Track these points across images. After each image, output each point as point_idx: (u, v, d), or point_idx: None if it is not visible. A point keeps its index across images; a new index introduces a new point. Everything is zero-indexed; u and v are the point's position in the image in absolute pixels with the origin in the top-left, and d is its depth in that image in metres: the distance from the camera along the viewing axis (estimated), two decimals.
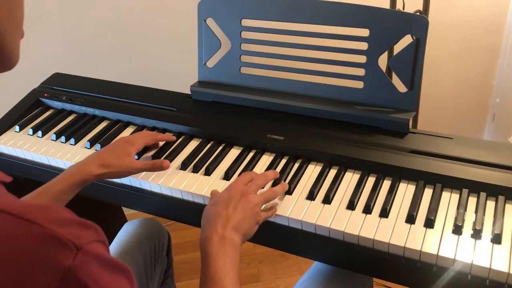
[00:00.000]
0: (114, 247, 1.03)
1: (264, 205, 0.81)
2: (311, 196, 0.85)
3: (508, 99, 1.67)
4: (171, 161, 0.97)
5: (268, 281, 1.68)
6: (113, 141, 0.95)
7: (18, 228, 0.34)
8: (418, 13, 1.22)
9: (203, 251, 0.71)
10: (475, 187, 0.82)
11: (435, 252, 0.73)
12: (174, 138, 1.02)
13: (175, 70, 1.54)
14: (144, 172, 0.94)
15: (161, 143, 1.02)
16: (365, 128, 0.96)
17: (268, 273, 1.71)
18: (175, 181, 0.93)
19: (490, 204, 0.80)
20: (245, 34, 1.05)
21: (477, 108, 1.81)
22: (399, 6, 1.23)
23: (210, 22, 1.07)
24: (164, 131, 1.07)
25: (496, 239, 0.73)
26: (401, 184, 0.86)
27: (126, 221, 1.18)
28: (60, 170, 1.02)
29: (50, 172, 1.03)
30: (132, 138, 0.94)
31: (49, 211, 0.35)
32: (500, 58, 1.68)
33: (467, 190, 0.82)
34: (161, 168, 0.91)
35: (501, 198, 0.80)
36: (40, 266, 0.33)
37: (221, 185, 0.91)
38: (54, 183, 0.83)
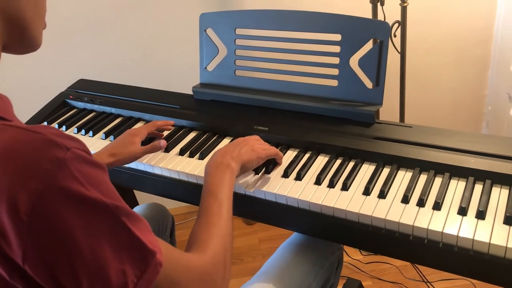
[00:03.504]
0: None
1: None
2: (285, 174, 0.99)
3: (499, 107, 1.77)
4: (172, 149, 1.13)
5: None
6: (122, 134, 1.09)
7: (25, 135, 0.49)
8: (397, 23, 1.37)
9: (204, 174, 0.85)
10: (427, 166, 0.94)
11: (383, 216, 0.85)
12: (172, 122, 1.17)
13: (180, 74, 1.72)
14: (149, 157, 1.10)
15: (165, 133, 1.18)
16: (338, 120, 1.09)
17: None
18: (173, 164, 1.08)
19: (438, 180, 0.92)
20: (239, 42, 1.21)
21: (472, 116, 1.91)
22: (380, 17, 1.37)
23: (210, 31, 1.25)
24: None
25: (421, 203, 0.85)
26: (363, 165, 0.99)
27: (137, 205, 1.35)
28: None
29: None
30: (136, 129, 1.08)
31: (49, 127, 0.50)
32: (490, 69, 1.79)
33: (419, 168, 0.95)
34: (159, 147, 1.05)
35: (446, 175, 0.92)
36: (38, 162, 0.47)
37: None
38: None
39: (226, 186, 0.82)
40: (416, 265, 1.60)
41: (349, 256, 1.72)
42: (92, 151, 1.15)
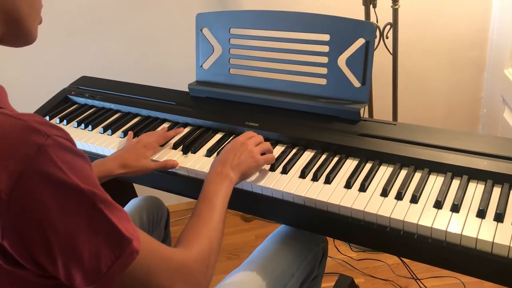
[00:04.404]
0: None
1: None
2: (272, 168, 1.03)
3: (494, 109, 1.79)
4: (166, 143, 1.18)
5: None
6: (134, 144, 1.11)
7: (9, 121, 0.52)
8: (389, 25, 1.40)
9: (204, 181, 0.88)
10: (408, 162, 0.98)
11: (361, 208, 0.89)
12: (182, 129, 1.21)
13: (178, 72, 1.76)
14: None
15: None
16: (325, 117, 1.13)
17: None
18: (167, 157, 1.13)
19: (417, 175, 0.95)
20: (233, 41, 1.26)
21: (468, 119, 1.93)
22: (372, 19, 1.41)
23: (205, 31, 1.29)
24: (164, 121, 1.29)
25: (399, 196, 0.89)
26: (347, 160, 1.03)
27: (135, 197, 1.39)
28: None
29: None
30: (149, 143, 1.10)
31: (35, 115, 0.54)
32: (486, 71, 1.81)
33: (400, 164, 0.98)
34: (171, 166, 1.07)
35: (425, 170, 0.95)
36: (18, 146, 0.51)
37: (203, 161, 1.10)
38: None
39: (222, 194, 0.86)
40: (407, 263, 1.63)
41: (341, 253, 1.75)
42: (100, 148, 1.20)
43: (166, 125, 1.27)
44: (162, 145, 1.17)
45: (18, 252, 0.53)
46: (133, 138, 1.20)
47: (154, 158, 1.13)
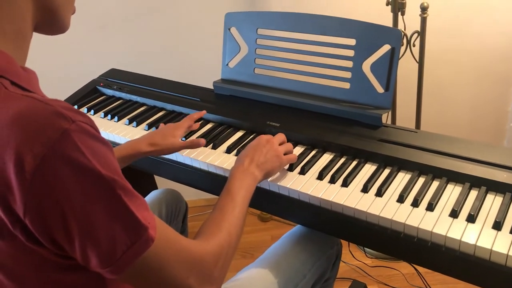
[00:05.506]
0: None
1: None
2: (290, 168, 1.04)
3: None
4: (188, 138, 1.20)
5: None
6: (164, 125, 1.14)
7: (38, 105, 0.55)
8: (416, 33, 1.40)
9: (229, 175, 0.90)
10: (426, 170, 0.98)
11: (377, 213, 0.89)
12: (204, 111, 1.22)
13: (205, 68, 1.78)
14: None
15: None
16: (347, 120, 1.14)
17: None
18: (187, 151, 1.15)
19: (435, 184, 0.95)
20: (260, 41, 1.28)
21: (493, 132, 1.91)
22: (400, 26, 1.41)
23: (233, 30, 1.31)
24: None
25: (415, 203, 0.89)
26: (366, 164, 1.04)
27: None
28: None
29: None
30: (178, 124, 1.13)
31: (62, 102, 0.57)
32: None
33: (418, 171, 0.98)
34: (198, 144, 1.08)
35: (443, 179, 0.95)
36: (44, 130, 0.53)
37: (222, 157, 1.12)
38: None
39: (245, 191, 0.87)
40: (421, 274, 1.62)
41: (356, 259, 1.75)
42: (124, 139, 1.24)
43: None
44: (185, 138, 1.19)
45: (38, 230, 0.55)
46: None
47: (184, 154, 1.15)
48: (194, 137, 1.21)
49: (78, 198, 0.55)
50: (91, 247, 0.57)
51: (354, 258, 1.75)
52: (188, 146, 1.10)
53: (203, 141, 1.09)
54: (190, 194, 2.02)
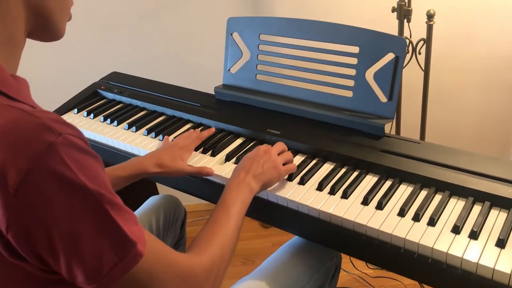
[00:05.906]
0: (136, 211, 1.25)
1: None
2: (289, 178, 1.02)
3: None
4: None
5: None
6: (171, 145, 1.10)
7: (23, 117, 0.53)
8: (422, 41, 1.37)
9: (225, 187, 0.88)
10: (429, 183, 0.95)
11: (376, 227, 0.87)
12: (213, 129, 1.20)
13: (206, 73, 1.76)
14: None
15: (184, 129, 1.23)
16: (348, 130, 1.12)
17: None
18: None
19: (437, 197, 0.93)
20: (262, 47, 1.26)
21: (500, 142, 1.87)
22: (406, 34, 1.38)
23: (235, 35, 1.29)
24: (187, 121, 1.29)
25: (416, 217, 0.86)
26: (367, 175, 1.01)
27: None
28: (101, 144, 1.27)
29: (93, 145, 1.28)
30: (186, 146, 1.10)
31: (50, 113, 0.55)
32: None
33: (420, 184, 0.96)
34: (207, 174, 1.05)
35: (446, 193, 0.92)
36: (29, 143, 0.51)
37: (221, 165, 1.10)
38: (117, 168, 1.01)
39: (240, 203, 0.85)
40: (423, 285, 1.59)
41: (357, 269, 1.72)
42: (123, 144, 1.21)
43: (188, 126, 1.27)
44: None
45: (22, 245, 0.54)
46: (157, 137, 1.21)
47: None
48: None
49: (63, 213, 0.53)
50: (76, 263, 0.55)
51: (355, 268, 1.72)
52: (195, 173, 1.07)
53: (211, 171, 1.06)
54: (191, 199, 1.98)
